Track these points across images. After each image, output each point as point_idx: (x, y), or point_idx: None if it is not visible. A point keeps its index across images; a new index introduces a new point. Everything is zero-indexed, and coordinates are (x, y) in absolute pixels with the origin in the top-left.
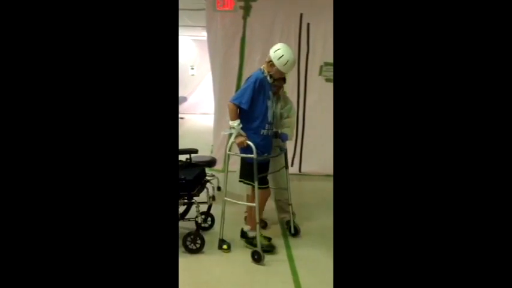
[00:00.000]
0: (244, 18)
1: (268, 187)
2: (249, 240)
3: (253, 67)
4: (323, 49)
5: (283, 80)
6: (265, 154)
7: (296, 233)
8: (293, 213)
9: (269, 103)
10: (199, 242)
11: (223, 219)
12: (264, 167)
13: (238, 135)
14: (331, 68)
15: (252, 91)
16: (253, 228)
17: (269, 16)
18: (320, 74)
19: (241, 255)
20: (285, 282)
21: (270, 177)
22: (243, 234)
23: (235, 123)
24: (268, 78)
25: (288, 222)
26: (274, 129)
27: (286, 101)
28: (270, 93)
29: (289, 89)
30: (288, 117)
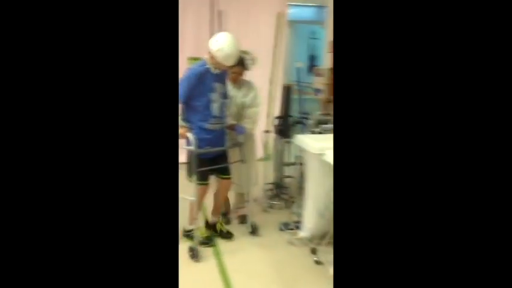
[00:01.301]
0: None
1: (207, 184)
2: (186, 233)
3: None
4: (237, 36)
5: (242, 66)
6: (208, 147)
7: (254, 231)
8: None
9: (213, 96)
10: None
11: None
12: (209, 162)
13: (180, 126)
14: (247, 56)
15: (187, 86)
16: (192, 222)
17: (179, 4)
18: None
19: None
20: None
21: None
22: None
23: None
24: (213, 69)
25: (242, 218)
26: (231, 122)
27: (250, 88)
28: (216, 85)
29: None
30: (251, 106)
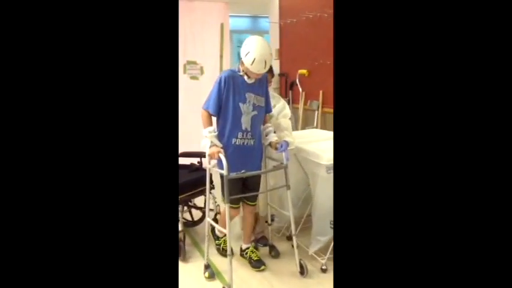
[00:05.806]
0: None
1: (238, 207)
2: (242, 252)
3: None
4: (184, 48)
5: (268, 72)
6: (242, 170)
7: (302, 272)
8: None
9: (244, 107)
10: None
11: (208, 241)
12: (240, 182)
13: (212, 145)
14: (194, 66)
15: (217, 92)
16: (247, 242)
17: None
18: (184, 72)
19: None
20: None
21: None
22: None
23: (206, 130)
24: (246, 78)
25: (271, 247)
26: (273, 139)
27: (276, 98)
28: (248, 95)
29: None
30: (282, 117)
